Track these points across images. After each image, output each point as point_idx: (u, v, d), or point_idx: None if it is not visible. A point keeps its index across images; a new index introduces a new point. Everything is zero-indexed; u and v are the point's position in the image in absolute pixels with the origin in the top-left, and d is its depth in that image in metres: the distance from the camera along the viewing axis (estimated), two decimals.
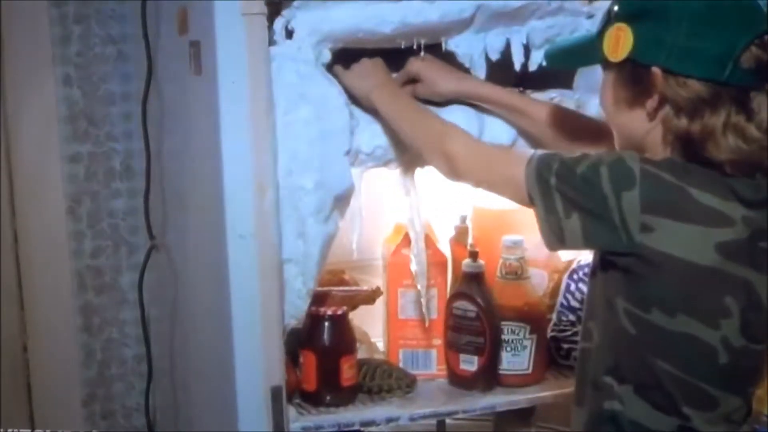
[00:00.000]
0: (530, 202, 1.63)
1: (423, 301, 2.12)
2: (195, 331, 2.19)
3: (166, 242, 2.33)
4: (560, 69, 2.02)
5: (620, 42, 1.57)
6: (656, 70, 1.54)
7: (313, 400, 2.01)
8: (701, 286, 1.53)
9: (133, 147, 2.52)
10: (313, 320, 2.01)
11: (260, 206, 1.81)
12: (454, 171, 1.76)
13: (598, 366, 1.64)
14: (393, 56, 1.99)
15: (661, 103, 1.56)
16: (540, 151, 1.66)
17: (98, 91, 2.52)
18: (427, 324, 2.15)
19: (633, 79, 1.58)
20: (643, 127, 1.59)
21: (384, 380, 2.07)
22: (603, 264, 1.61)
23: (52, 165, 2.50)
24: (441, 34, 1.97)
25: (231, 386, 1.86)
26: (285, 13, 1.85)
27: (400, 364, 2.16)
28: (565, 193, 1.57)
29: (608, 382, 1.61)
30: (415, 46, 1.96)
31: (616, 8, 1.60)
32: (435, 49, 2.00)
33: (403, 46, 1.95)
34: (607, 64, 1.63)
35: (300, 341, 2.02)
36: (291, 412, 1.92)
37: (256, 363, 1.84)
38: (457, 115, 1.97)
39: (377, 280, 2.25)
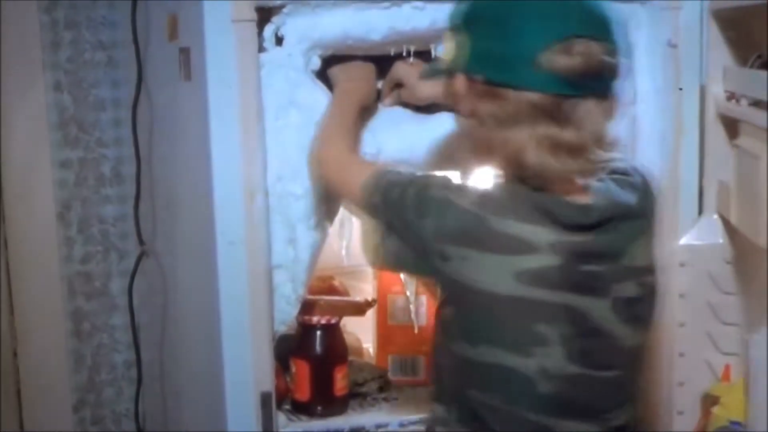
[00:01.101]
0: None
1: (412, 307, 2.12)
2: (184, 337, 2.20)
3: (156, 248, 2.33)
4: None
5: (445, 53, 1.54)
6: (460, 78, 1.50)
7: (305, 410, 2.00)
8: (503, 316, 1.45)
9: (123, 153, 2.52)
10: (306, 329, 2.01)
11: (250, 212, 1.81)
12: (317, 171, 1.76)
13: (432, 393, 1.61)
14: (389, 61, 1.99)
15: (472, 114, 1.49)
16: (382, 167, 1.63)
17: (88, 97, 2.52)
18: (416, 330, 2.15)
19: (449, 89, 1.54)
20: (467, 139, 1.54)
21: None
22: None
23: (42, 171, 2.50)
24: (430, 41, 1.97)
25: (220, 392, 1.86)
26: (275, 19, 1.86)
27: (389, 370, 2.16)
28: (385, 212, 1.54)
29: (437, 409, 1.57)
30: (404, 53, 1.96)
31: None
32: (425, 56, 2.00)
33: (392, 53, 1.95)
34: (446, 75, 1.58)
35: (292, 350, 2.02)
36: (280, 418, 1.92)
37: (246, 369, 1.84)
38: (444, 121, 1.97)
39: (367, 286, 2.26)
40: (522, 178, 1.45)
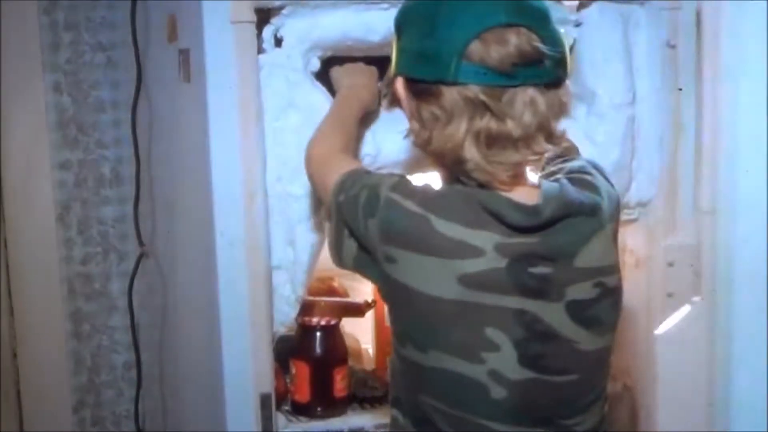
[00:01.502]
0: None
1: None
2: (184, 338, 2.20)
3: (156, 249, 2.34)
4: None
5: (391, 57, 1.51)
6: (399, 81, 1.47)
7: (304, 411, 2.00)
8: (450, 321, 1.40)
9: (123, 154, 2.53)
10: (305, 330, 2.01)
11: (249, 213, 1.82)
12: (306, 170, 1.71)
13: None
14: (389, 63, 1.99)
15: (413, 115, 1.46)
16: (354, 167, 1.58)
17: (88, 99, 2.53)
18: None
19: (394, 93, 1.51)
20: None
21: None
22: None
23: (42, 172, 2.51)
24: None
25: (220, 393, 1.86)
26: (274, 21, 1.86)
27: (388, 371, 2.16)
28: (346, 212, 1.50)
29: (394, 414, 1.54)
30: None
31: None
32: None
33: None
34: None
35: (291, 351, 2.02)
36: (280, 419, 1.92)
37: (245, 370, 1.84)
38: None
39: (366, 288, 2.26)
40: (467, 175, 1.42)
